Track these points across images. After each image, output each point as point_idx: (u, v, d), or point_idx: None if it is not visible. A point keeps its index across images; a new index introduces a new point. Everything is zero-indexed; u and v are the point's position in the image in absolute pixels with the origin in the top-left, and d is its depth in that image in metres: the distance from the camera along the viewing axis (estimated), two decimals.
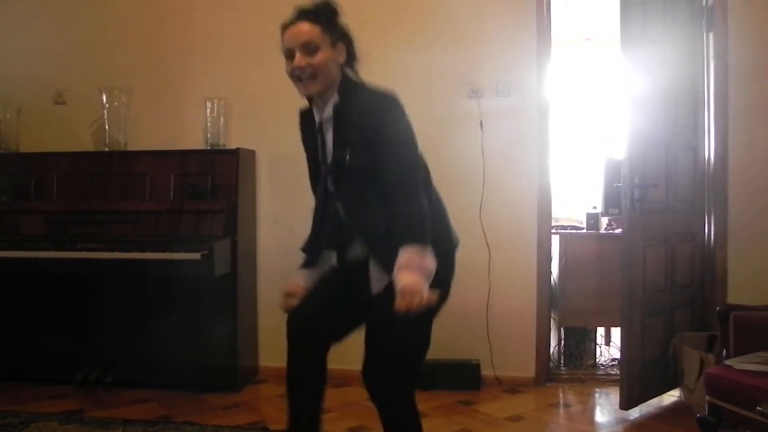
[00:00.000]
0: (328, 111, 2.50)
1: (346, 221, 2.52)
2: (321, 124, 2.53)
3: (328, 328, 2.53)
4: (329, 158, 2.52)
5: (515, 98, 4.69)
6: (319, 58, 2.43)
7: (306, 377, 2.56)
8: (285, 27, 2.52)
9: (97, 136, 4.98)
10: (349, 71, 2.57)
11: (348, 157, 2.42)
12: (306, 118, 2.67)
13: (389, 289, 2.30)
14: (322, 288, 2.58)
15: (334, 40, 2.49)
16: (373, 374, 2.48)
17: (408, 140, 2.46)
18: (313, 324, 2.51)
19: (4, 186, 4.72)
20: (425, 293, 2.20)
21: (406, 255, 2.26)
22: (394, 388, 2.52)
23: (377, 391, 2.50)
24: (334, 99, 2.49)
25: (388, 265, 2.32)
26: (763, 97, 4.45)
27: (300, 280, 2.58)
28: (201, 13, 5.03)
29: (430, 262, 2.29)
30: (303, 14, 2.48)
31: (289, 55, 2.48)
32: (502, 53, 4.71)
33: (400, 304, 2.19)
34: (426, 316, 2.37)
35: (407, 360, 2.52)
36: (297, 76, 2.46)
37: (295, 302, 2.51)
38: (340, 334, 2.58)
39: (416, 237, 2.29)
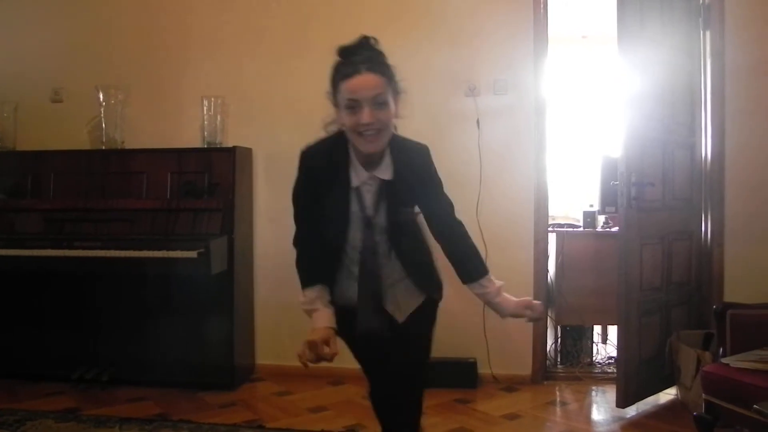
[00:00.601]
0: (385, 173, 2.39)
1: (393, 252, 2.51)
2: (360, 187, 2.39)
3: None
4: (369, 216, 2.42)
5: (512, 96, 4.69)
6: (387, 114, 2.29)
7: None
8: (346, 76, 2.25)
9: (94, 134, 4.97)
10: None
11: (406, 215, 2.51)
12: (315, 163, 2.44)
13: (420, 312, 2.59)
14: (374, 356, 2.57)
15: (394, 93, 2.36)
16: (406, 394, 2.57)
17: (442, 183, 2.61)
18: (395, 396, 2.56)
19: (0, 184, 4.72)
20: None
21: (496, 283, 2.64)
22: (420, 398, 2.63)
23: (404, 413, 2.57)
24: (386, 160, 2.39)
25: (425, 284, 2.61)
26: (760, 95, 4.46)
27: (323, 323, 2.39)
28: (198, 11, 5.03)
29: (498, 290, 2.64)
30: (367, 64, 2.27)
31: (352, 107, 2.24)
32: (499, 51, 4.71)
33: (530, 313, 2.61)
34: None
35: (423, 377, 2.68)
36: (360, 132, 2.26)
37: (328, 351, 2.30)
38: None
39: (487, 268, 2.65)
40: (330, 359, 2.28)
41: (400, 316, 2.54)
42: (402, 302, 2.56)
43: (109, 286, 4.57)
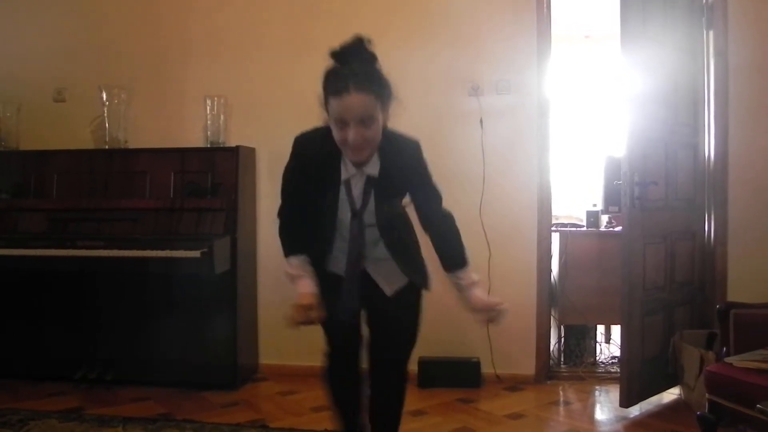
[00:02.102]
0: (372, 170, 2.52)
1: (382, 240, 2.65)
2: (349, 179, 2.54)
3: (360, 348, 2.83)
4: (356, 208, 2.57)
5: (515, 96, 4.69)
6: (373, 130, 2.38)
7: (353, 394, 2.90)
8: (336, 93, 2.33)
9: (97, 133, 4.98)
10: None
11: (395, 203, 2.65)
12: (308, 151, 2.60)
13: (407, 289, 2.72)
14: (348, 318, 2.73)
15: (383, 103, 2.41)
16: (392, 365, 2.83)
17: (431, 177, 2.70)
18: (355, 355, 2.82)
19: (4, 184, 4.72)
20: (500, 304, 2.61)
21: (472, 276, 2.68)
22: (405, 372, 2.89)
23: (392, 378, 2.86)
24: (374, 158, 2.51)
25: (408, 270, 2.69)
26: (763, 95, 4.45)
27: (309, 289, 2.59)
28: (201, 11, 5.03)
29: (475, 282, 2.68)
30: (355, 85, 2.31)
31: (342, 125, 2.36)
32: (502, 51, 4.71)
33: (492, 316, 2.63)
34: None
35: (413, 346, 2.89)
36: (350, 148, 2.40)
37: (315, 314, 2.52)
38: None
39: (467, 261, 2.69)
40: (317, 322, 2.55)
41: (389, 289, 2.70)
42: (387, 276, 2.69)
43: (113, 285, 4.58)
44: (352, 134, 2.34)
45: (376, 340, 2.78)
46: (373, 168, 2.52)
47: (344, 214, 2.58)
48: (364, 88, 2.31)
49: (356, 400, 2.91)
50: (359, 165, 2.50)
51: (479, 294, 2.66)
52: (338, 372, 2.87)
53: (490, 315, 2.62)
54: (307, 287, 2.58)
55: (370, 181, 2.53)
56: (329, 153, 2.50)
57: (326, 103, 2.40)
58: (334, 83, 2.34)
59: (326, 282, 2.63)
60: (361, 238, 2.60)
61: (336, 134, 2.39)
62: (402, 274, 2.69)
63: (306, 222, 2.66)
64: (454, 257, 2.68)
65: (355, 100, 2.30)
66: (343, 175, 2.53)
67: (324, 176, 2.55)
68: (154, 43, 5.06)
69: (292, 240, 2.71)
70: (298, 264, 2.64)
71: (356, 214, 2.57)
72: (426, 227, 2.73)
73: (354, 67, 2.35)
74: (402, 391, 2.89)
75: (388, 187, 2.57)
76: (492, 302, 2.61)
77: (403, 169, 2.58)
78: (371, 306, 2.74)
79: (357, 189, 2.55)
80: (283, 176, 2.73)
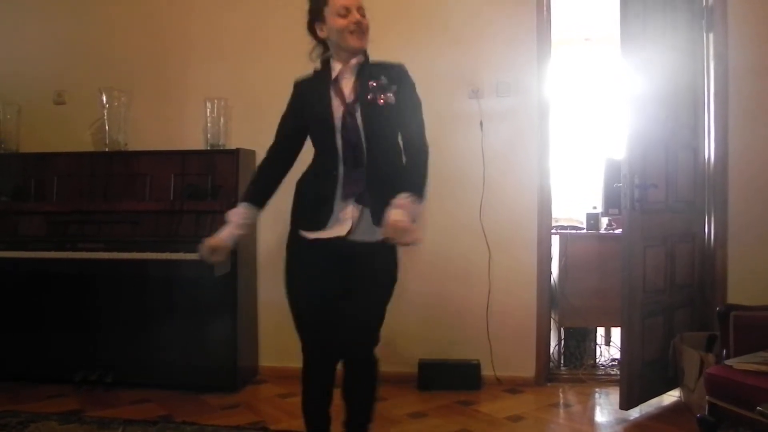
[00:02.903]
0: (357, 59, 2.85)
1: (368, 170, 2.81)
2: (338, 77, 2.84)
3: (335, 339, 2.85)
4: (349, 100, 2.80)
5: (515, 98, 4.69)
6: (366, 19, 2.85)
7: (326, 389, 2.96)
8: None
9: (97, 136, 4.98)
10: None
11: (387, 97, 2.80)
12: (304, 85, 2.98)
13: (384, 251, 2.77)
14: (322, 303, 2.85)
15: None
16: (362, 340, 2.85)
17: (421, 108, 2.92)
18: (330, 346, 2.86)
19: (4, 186, 4.73)
20: (412, 231, 2.57)
21: (402, 198, 2.65)
22: (372, 349, 2.90)
23: (361, 354, 2.89)
24: (359, 58, 2.86)
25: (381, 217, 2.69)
26: (763, 97, 4.45)
27: (223, 235, 2.95)
28: (201, 13, 5.04)
29: (420, 210, 2.69)
30: None
31: (345, 13, 2.78)
32: (502, 53, 4.72)
33: (387, 234, 2.59)
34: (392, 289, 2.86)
35: (381, 323, 2.88)
36: (352, 30, 2.79)
37: (215, 258, 2.91)
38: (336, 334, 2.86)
39: (418, 190, 2.70)
40: (211, 263, 2.97)
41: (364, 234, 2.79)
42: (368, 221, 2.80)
43: (112, 288, 4.58)
44: (355, 15, 2.79)
45: (349, 313, 2.82)
46: (358, 59, 2.86)
47: (338, 112, 2.79)
48: None
49: (325, 404, 2.97)
50: (347, 57, 2.84)
51: (394, 212, 2.61)
52: (312, 370, 2.95)
53: (388, 232, 2.60)
54: (224, 233, 2.94)
55: (358, 72, 2.85)
56: (321, 75, 2.91)
57: (323, 8, 2.82)
58: None
59: (309, 252, 2.89)
60: (356, 137, 2.78)
61: (341, 23, 2.78)
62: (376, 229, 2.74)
63: (284, 164, 3.04)
64: (406, 184, 2.71)
65: None
66: (333, 75, 2.85)
67: (317, 92, 2.87)
68: (154, 45, 5.07)
69: (252, 183, 3.09)
70: (236, 211, 2.99)
71: (349, 105, 2.78)
72: (404, 144, 2.86)
73: None
74: (375, 366, 2.95)
75: (376, 78, 2.82)
76: (394, 220, 2.58)
77: (388, 68, 2.88)
78: (348, 280, 2.82)
79: (347, 86, 2.83)
80: (280, 118, 3.07)
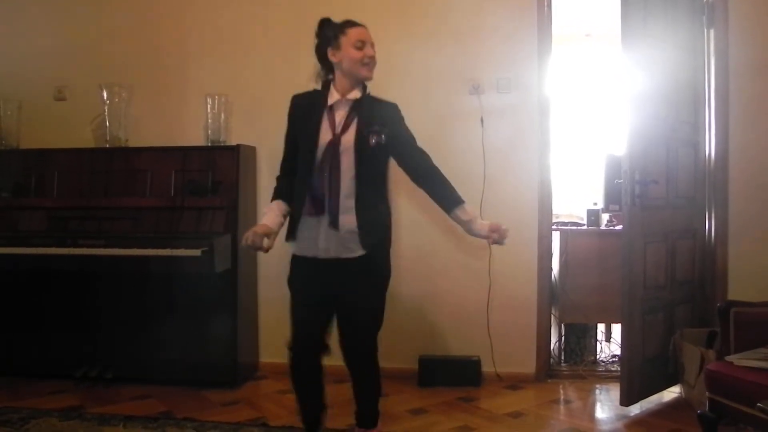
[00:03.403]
0: (354, 94, 3.08)
1: (356, 191, 3.03)
2: (333, 105, 3.08)
3: (323, 335, 3.14)
4: (337, 131, 3.03)
5: (516, 95, 4.69)
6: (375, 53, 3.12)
7: (314, 381, 3.20)
8: (354, 24, 3.12)
9: (97, 132, 4.98)
10: None
11: (378, 132, 3.03)
12: (300, 101, 3.21)
13: (363, 265, 3.04)
14: (311, 301, 3.11)
15: None
16: (360, 341, 3.17)
17: (414, 138, 3.17)
18: (316, 339, 3.11)
19: (4, 182, 4.73)
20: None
21: (471, 210, 3.11)
22: (374, 348, 3.21)
23: (363, 353, 3.21)
24: (358, 88, 3.11)
25: (367, 239, 3.03)
26: (764, 93, 4.45)
27: (268, 221, 3.10)
28: (201, 9, 5.03)
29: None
30: (361, 23, 3.16)
31: (361, 46, 3.06)
32: (502, 50, 4.71)
33: (497, 236, 3.01)
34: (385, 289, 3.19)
35: (381, 322, 3.19)
36: (366, 63, 3.07)
37: (265, 243, 3.01)
38: (327, 333, 3.16)
39: (463, 198, 3.09)
40: (263, 250, 3.03)
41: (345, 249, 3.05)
42: (348, 236, 3.04)
43: (113, 284, 4.58)
44: (369, 50, 3.08)
45: (345, 323, 3.14)
46: (356, 95, 3.09)
47: (324, 138, 3.03)
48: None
49: (318, 393, 3.24)
50: (346, 90, 3.09)
51: (483, 222, 3.08)
52: (299, 365, 3.16)
53: (496, 235, 3.01)
54: (268, 220, 3.09)
55: (354, 106, 3.08)
56: (317, 96, 3.15)
57: (339, 37, 3.09)
58: (349, 21, 3.14)
59: (299, 266, 3.14)
60: (336, 168, 3.00)
61: (355, 55, 3.05)
62: (360, 240, 3.03)
63: (293, 172, 3.19)
64: (452, 198, 3.09)
65: (365, 30, 3.13)
66: (329, 101, 3.09)
67: (310, 113, 3.11)
68: (155, 41, 5.06)
69: (276, 190, 3.25)
70: (271, 205, 3.19)
71: (335, 139, 3.02)
72: (419, 180, 3.16)
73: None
74: (374, 361, 3.25)
75: (370, 117, 3.05)
76: (495, 224, 3.02)
77: (384, 108, 3.13)
78: (340, 291, 3.09)
79: (340, 115, 3.07)
80: (285, 139, 3.29)
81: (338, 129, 3.03)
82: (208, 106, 4.74)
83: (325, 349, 3.15)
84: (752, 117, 4.47)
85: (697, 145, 4.52)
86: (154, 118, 5.01)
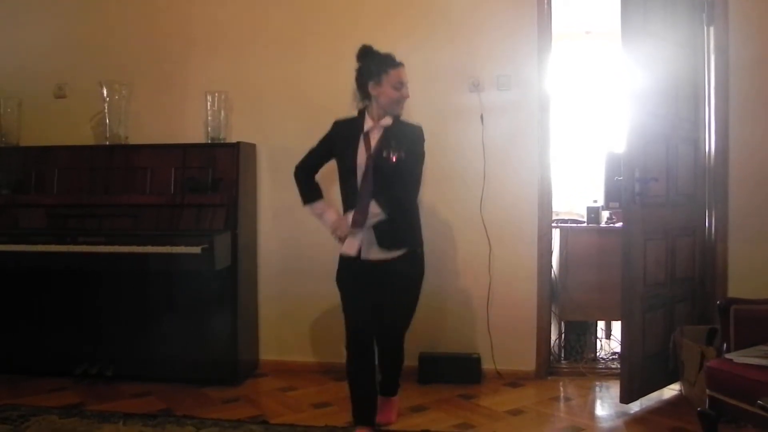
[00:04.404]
0: (386, 121, 3.55)
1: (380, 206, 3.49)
2: (369, 131, 3.55)
3: (374, 325, 3.60)
4: (371, 152, 3.50)
5: (516, 92, 4.68)
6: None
7: (367, 369, 3.62)
8: (395, 65, 3.55)
9: (97, 129, 4.98)
10: None
11: (400, 155, 3.49)
12: (341, 126, 3.66)
13: (403, 263, 3.58)
14: (360, 295, 3.59)
15: None
16: (391, 335, 3.72)
17: (422, 160, 3.62)
18: (368, 331, 3.58)
19: (4, 179, 4.72)
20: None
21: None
22: (402, 336, 3.79)
23: (393, 340, 3.74)
24: (388, 117, 3.56)
25: (388, 243, 3.53)
26: (764, 90, 4.45)
27: (336, 215, 3.64)
28: (202, 6, 5.02)
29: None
30: (401, 62, 3.59)
31: (400, 87, 3.53)
32: (502, 47, 4.71)
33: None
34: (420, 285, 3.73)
35: (408, 319, 3.77)
36: (399, 101, 3.55)
37: (344, 231, 3.55)
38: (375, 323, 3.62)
39: (385, 207, 3.48)
40: (344, 239, 3.55)
41: (381, 253, 3.56)
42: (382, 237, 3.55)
43: (113, 281, 4.58)
44: (406, 92, 3.56)
45: (383, 311, 3.60)
46: (388, 122, 3.55)
47: (361, 159, 3.51)
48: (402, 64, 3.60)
49: (370, 385, 3.63)
50: (380, 117, 3.55)
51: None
52: (356, 361, 3.57)
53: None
54: (335, 214, 3.65)
55: (386, 131, 3.53)
56: (357, 123, 3.60)
57: (381, 75, 3.51)
58: (393, 61, 3.56)
59: (346, 266, 3.62)
60: (374, 181, 3.48)
61: (393, 94, 3.52)
62: (394, 241, 3.55)
63: (312, 175, 3.73)
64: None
65: (404, 70, 3.57)
66: (365, 128, 3.55)
67: (349, 137, 3.57)
68: (154, 38, 5.06)
69: (309, 190, 3.71)
70: (320, 204, 3.69)
71: (371, 157, 3.49)
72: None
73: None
74: (401, 347, 3.81)
75: (398, 139, 3.52)
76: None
77: (409, 134, 3.58)
78: (381, 286, 3.57)
79: (374, 138, 3.53)
80: (318, 143, 3.72)
81: (374, 151, 3.51)
82: (208, 103, 4.74)
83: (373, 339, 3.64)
84: (752, 114, 4.46)
85: (697, 142, 4.52)
86: (154, 116, 5.01)
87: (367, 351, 3.59)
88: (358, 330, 3.54)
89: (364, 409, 3.61)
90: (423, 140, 3.60)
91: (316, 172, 3.75)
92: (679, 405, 4.14)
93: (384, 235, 3.52)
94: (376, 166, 3.48)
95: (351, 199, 3.55)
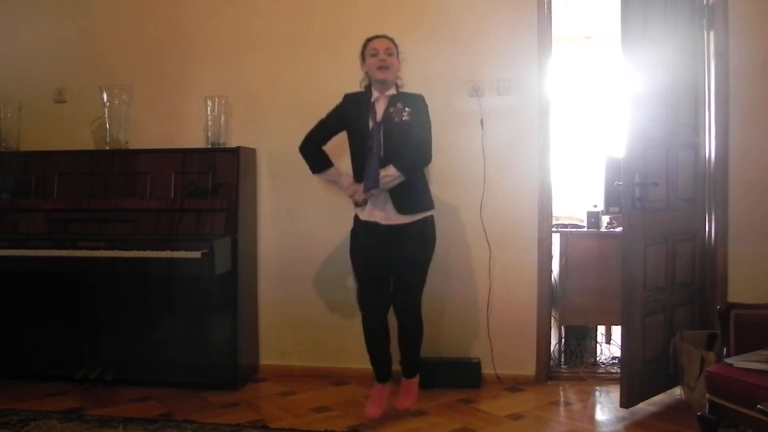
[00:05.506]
0: (392, 91, 3.89)
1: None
2: (375, 100, 3.85)
3: (387, 300, 3.91)
4: (378, 120, 3.80)
5: (516, 96, 4.68)
6: (392, 60, 3.88)
7: (381, 338, 3.97)
8: (373, 38, 3.91)
9: (97, 134, 4.98)
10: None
11: (408, 116, 3.79)
12: (351, 99, 3.94)
13: (421, 225, 3.86)
14: (374, 272, 3.89)
15: (396, 52, 3.94)
16: (408, 296, 3.91)
17: (429, 126, 3.89)
18: (381, 304, 3.90)
19: (4, 184, 4.73)
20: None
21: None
22: (419, 304, 3.95)
23: (411, 308, 3.93)
24: (393, 87, 3.91)
25: (405, 208, 3.82)
26: (764, 95, 4.45)
27: (351, 180, 3.92)
28: (201, 11, 5.03)
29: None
30: (382, 35, 3.92)
31: (375, 53, 3.84)
32: (502, 51, 4.71)
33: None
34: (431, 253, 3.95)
35: (421, 283, 3.95)
36: (379, 67, 3.82)
37: (361, 195, 3.83)
38: (389, 295, 3.93)
39: (403, 168, 3.76)
40: (362, 204, 3.85)
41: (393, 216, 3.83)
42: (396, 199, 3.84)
43: (113, 286, 4.58)
44: (383, 56, 3.81)
45: (399, 276, 3.90)
46: (392, 92, 3.89)
47: (373, 124, 3.79)
48: (386, 37, 3.92)
49: (383, 345, 3.98)
50: (383, 89, 3.86)
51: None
52: (371, 334, 3.94)
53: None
54: (350, 178, 3.92)
55: (391, 99, 3.85)
56: (364, 95, 3.91)
57: (363, 52, 3.91)
58: (371, 37, 3.91)
59: (363, 235, 3.90)
60: (384, 146, 3.75)
61: (371, 62, 3.84)
62: (411, 205, 3.84)
63: (320, 147, 3.99)
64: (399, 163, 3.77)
65: (382, 40, 3.89)
66: (372, 98, 3.86)
67: (360, 107, 3.86)
68: (154, 43, 5.06)
69: (319, 159, 3.98)
70: (333, 171, 3.98)
71: (378, 123, 3.79)
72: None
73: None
74: (418, 315, 3.96)
75: (404, 103, 3.83)
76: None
77: (412, 99, 3.87)
78: (392, 253, 3.84)
79: (381, 107, 3.83)
80: (326, 116, 4.00)
81: (380, 118, 3.80)
82: (208, 108, 4.74)
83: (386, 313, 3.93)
84: (752, 119, 4.47)
85: (697, 147, 4.52)
86: (154, 120, 5.01)
87: (381, 326, 3.91)
88: (371, 304, 3.90)
89: (379, 369, 4.02)
90: (426, 106, 3.89)
91: (324, 144, 4.00)
92: (679, 409, 4.13)
93: (401, 199, 3.79)
94: (386, 129, 3.76)
95: (363, 169, 3.79)
